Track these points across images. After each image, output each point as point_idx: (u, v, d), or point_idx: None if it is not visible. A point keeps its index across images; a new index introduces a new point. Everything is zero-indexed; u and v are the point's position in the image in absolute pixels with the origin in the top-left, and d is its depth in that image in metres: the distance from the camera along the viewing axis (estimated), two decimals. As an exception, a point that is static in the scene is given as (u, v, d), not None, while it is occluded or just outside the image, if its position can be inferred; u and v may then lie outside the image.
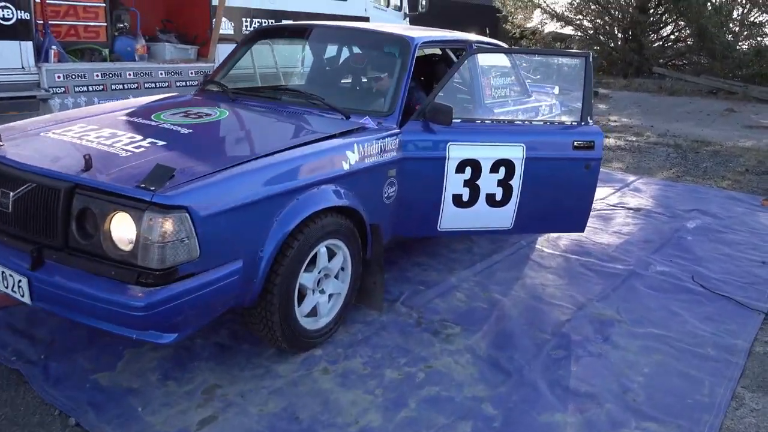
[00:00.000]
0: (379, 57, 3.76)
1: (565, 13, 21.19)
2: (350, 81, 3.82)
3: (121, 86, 5.32)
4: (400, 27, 4.27)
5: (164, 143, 2.62)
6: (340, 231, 2.88)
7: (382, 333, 3.13)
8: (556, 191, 3.61)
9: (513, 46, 19.28)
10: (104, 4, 5.50)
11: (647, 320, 3.44)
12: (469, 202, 3.46)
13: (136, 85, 5.42)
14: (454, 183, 3.39)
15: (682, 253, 4.53)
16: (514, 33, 21.84)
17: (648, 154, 8.29)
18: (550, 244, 4.60)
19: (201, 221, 2.22)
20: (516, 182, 3.49)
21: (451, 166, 3.35)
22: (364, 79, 3.79)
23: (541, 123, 3.62)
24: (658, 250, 4.56)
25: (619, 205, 5.80)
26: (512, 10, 21.81)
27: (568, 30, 21.69)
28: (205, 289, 2.29)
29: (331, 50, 4.16)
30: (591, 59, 3.68)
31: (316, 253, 2.79)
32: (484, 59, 4.23)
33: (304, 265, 2.73)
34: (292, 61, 4.73)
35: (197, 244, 2.22)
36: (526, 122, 3.50)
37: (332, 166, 2.82)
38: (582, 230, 3.81)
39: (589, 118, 3.67)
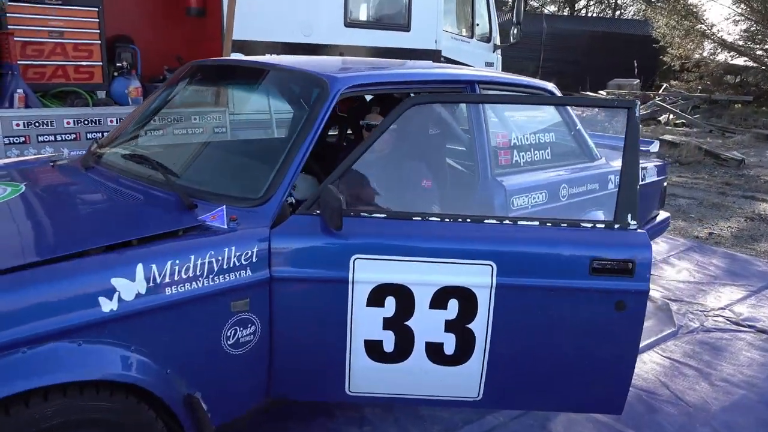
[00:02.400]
0: (286, 107, 2.50)
1: (737, 42, 18.11)
2: (235, 145, 2.57)
3: (99, 134, 4.55)
4: (339, 63, 2.92)
5: None
6: (99, 422, 1.66)
7: None
8: (561, 345, 2.08)
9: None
10: (99, 41, 4.82)
11: None
12: (396, 355, 2.05)
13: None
14: (366, 322, 2.02)
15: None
16: (674, 65, 19.13)
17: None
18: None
19: None
20: (480, 326, 2.02)
21: (358, 294, 1.99)
22: (254, 143, 2.54)
23: (536, 222, 2.07)
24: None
25: (748, 322, 3.89)
26: (677, 40, 19.04)
27: (740, 61, 18.53)
28: None
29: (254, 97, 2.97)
30: (638, 111, 2.12)
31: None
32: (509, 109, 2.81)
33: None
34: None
35: None
36: (507, 221, 2.01)
37: (79, 306, 1.61)
38: (616, 411, 2.19)
39: (630, 217, 2.09)
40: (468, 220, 2.05)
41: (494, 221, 2.07)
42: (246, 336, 1.94)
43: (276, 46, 5.41)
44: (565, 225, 2.09)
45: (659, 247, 5.33)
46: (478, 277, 1.98)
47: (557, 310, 2.03)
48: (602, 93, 17.98)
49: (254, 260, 1.91)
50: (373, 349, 2.03)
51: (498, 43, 7.51)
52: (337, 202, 1.85)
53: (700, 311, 4.08)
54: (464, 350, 2.04)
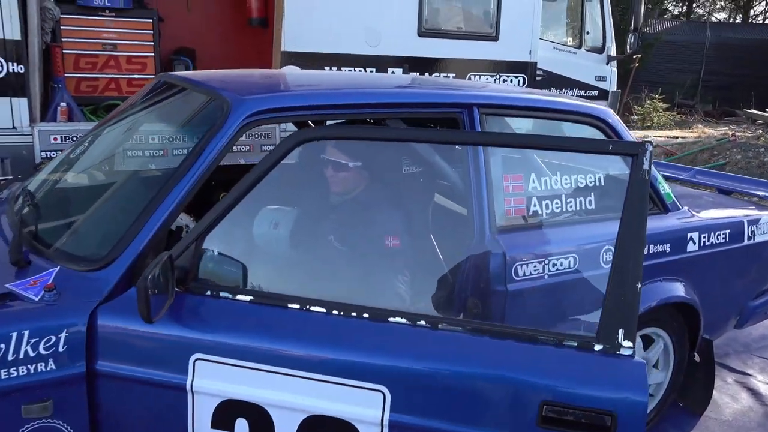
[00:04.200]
0: (185, 135, 1.96)
1: None
2: (109, 183, 2.05)
3: (139, 150, 4.38)
4: (277, 78, 2.27)
5: None
6: None
7: None
8: None
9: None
10: (153, 54, 4.68)
11: None
12: (254, 497, 1.45)
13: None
14: (212, 447, 1.44)
15: None
16: None
17: None
18: None
19: None
20: (365, 477, 1.36)
21: (201, 409, 1.43)
22: (129, 183, 2.00)
23: (465, 329, 1.30)
24: None
25: None
26: None
27: None
28: None
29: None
30: (648, 158, 1.33)
31: None
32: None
33: None
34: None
35: None
36: (423, 321, 1.31)
37: None
38: None
39: (623, 334, 1.31)
40: (365, 315, 1.40)
41: (403, 320, 1.39)
42: (50, 447, 1.45)
43: (337, 58, 4.95)
44: (513, 338, 1.35)
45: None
46: (363, 408, 1.33)
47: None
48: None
49: (61, 349, 1.42)
50: (223, 483, 1.46)
51: (613, 53, 6.46)
52: (146, 282, 1.30)
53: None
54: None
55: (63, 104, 4.28)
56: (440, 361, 1.33)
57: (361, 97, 1.95)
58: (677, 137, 10.47)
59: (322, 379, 1.34)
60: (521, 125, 3.12)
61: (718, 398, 3.13)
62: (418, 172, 2.16)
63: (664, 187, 2.62)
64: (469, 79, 5.47)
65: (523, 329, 1.36)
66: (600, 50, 6.44)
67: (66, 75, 4.46)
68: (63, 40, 4.42)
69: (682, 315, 2.71)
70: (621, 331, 1.28)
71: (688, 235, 2.62)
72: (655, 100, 13.20)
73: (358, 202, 2.03)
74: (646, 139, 1.38)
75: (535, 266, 2.16)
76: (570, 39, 6.38)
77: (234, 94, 1.77)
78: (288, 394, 1.36)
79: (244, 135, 1.72)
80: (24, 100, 4.11)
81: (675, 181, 3.60)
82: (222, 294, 1.46)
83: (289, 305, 1.43)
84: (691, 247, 2.63)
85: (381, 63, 5.09)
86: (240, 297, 1.45)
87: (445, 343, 1.35)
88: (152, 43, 4.70)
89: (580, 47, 6.32)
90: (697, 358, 2.91)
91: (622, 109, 12.87)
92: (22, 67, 4.07)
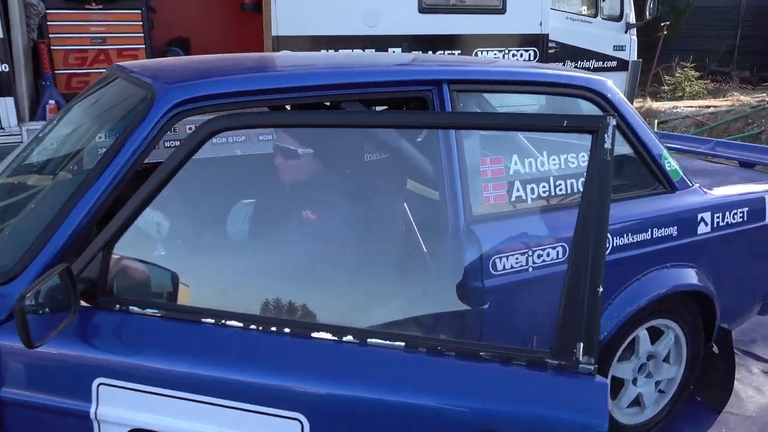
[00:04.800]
0: (110, 132, 1.78)
1: None
2: (27, 188, 1.88)
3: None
4: (209, 64, 2.03)
5: None
6: None
7: None
8: None
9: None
10: (143, 46, 4.55)
11: None
12: None
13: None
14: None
15: None
16: None
17: None
18: None
19: None
20: None
21: (110, 437, 1.26)
22: (49, 188, 1.82)
23: (401, 344, 1.08)
24: None
25: None
26: None
27: None
28: None
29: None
30: (610, 135, 1.10)
31: None
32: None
33: None
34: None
35: None
36: (350, 336, 1.09)
37: None
38: None
39: (583, 349, 1.10)
40: (286, 330, 1.21)
41: (327, 336, 1.20)
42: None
43: (333, 40, 4.74)
44: (453, 353, 1.15)
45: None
46: (280, 436, 1.14)
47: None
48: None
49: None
50: None
51: (632, 21, 6.08)
52: (22, 302, 1.13)
53: None
54: None
55: (52, 102, 4.18)
56: (366, 384, 1.14)
57: (310, 78, 1.75)
58: (709, 106, 9.93)
59: (234, 407, 1.17)
60: (512, 102, 2.88)
61: (741, 391, 2.87)
62: (382, 159, 1.96)
63: (670, 163, 2.35)
64: (475, 56, 5.20)
65: (464, 343, 1.15)
66: (618, 18, 6.05)
67: (56, 72, 4.36)
68: (50, 36, 4.31)
69: (695, 303, 2.45)
70: (580, 345, 1.07)
71: (699, 216, 2.35)
72: (686, 69, 12.58)
73: (307, 194, 1.84)
74: (607, 113, 1.14)
75: (517, 258, 1.94)
76: (585, 8, 6.02)
77: (160, 83, 1.59)
78: (198, 424, 1.19)
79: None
80: (10, 100, 4.03)
81: (691, 155, 3.30)
82: (132, 308, 1.29)
83: (203, 320, 1.25)
84: (703, 229, 2.37)
85: (380, 43, 4.86)
86: (149, 311, 1.28)
87: (373, 362, 1.16)
88: (142, 35, 4.57)
89: (596, 16, 5.95)
90: (715, 349, 2.66)
91: (651, 80, 12.35)
92: (6, 65, 3.99)
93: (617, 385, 2.42)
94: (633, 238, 2.18)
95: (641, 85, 12.70)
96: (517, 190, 2.04)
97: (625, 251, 2.16)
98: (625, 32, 6.05)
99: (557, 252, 2.02)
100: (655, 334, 2.45)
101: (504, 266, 1.92)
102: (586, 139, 2.34)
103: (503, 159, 2.03)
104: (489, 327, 1.80)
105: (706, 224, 2.37)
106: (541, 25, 5.37)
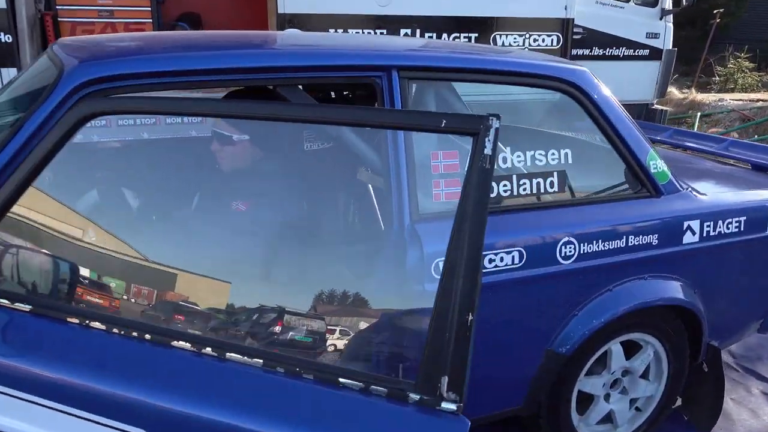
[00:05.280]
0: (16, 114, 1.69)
1: None
2: None
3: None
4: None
5: None
6: None
7: None
8: None
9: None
10: (151, 20, 4.51)
11: None
12: None
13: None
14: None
15: None
16: None
17: None
18: None
19: None
20: None
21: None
22: None
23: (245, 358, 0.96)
24: None
25: None
26: None
27: None
28: None
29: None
30: (491, 138, 0.95)
31: None
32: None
33: None
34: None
35: None
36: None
37: None
38: None
39: (447, 384, 0.96)
40: (146, 336, 1.11)
41: (187, 345, 1.09)
42: None
43: (341, 19, 4.60)
44: (311, 376, 1.02)
45: None
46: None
47: None
48: None
49: None
50: None
51: (668, 7, 5.71)
52: None
53: None
54: None
55: (55, 74, 4.18)
56: (216, 404, 1.03)
57: (238, 60, 1.63)
58: (758, 100, 9.36)
59: (83, 417, 1.08)
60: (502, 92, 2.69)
61: (734, 412, 2.66)
62: (324, 149, 1.83)
63: (657, 165, 2.14)
64: (494, 41, 4.97)
65: (326, 367, 1.03)
66: (653, 3, 5.70)
67: (63, 44, 4.37)
68: (57, 7, 4.31)
69: (679, 318, 2.26)
70: (444, 379, 0.93)
71: (685, 224, 2.14)
72: (740, 60, 11.90)
73: (238, 184, 1.74)
74: (491, 113, 0.97)
75: (464, 262, 1.79)
76: (617, -9, 5.69)
77: (72, 60, 1.50)
78: (34, 428, 1.11)
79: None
80: (14, 71, 4.05)
81: (700, 154, 3.05)
82: (3, 301, 1.21)
83: (68, 319, 1.16)
84: (690, 238, 2.16)
85: (392, 24, 4.70)
86: (18, 306, 1.20)
87: (228, 379, 1.05)
88: (150, 9, 4.52)
89: (628, 1, 5.61)
90: (705, 367, 2.46)
91: (700, 71, 11.72)
92: (10, 36, 4.00)
93: (586, 400, 2.26)
94: (604, 245, 2.00)
95: (688, 75, 12.10)
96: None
97: (594, 259, 1.99)
98: (660, 19, 5.69)
99: (512, 257, 1.87)
100: (633, 349, 2.27)
101: (449, 270, 1.78)
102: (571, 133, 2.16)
103: (458, 153, 1.88)
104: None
105: (694, 233, 2.17)
106: (566, 9, 5.09)
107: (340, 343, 1.34)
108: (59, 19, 4.30)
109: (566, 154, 2.02)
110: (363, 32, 4.68)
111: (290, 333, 1.33)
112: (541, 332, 2.00)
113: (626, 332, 2.18)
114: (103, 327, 1.14)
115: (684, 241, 2.15)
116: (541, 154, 1.99)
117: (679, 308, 2.21)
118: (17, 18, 4.00)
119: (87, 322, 1.15)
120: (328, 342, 1.32)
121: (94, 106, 1.18)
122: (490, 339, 1.94)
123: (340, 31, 4.60)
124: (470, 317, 0.91)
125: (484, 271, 1.82)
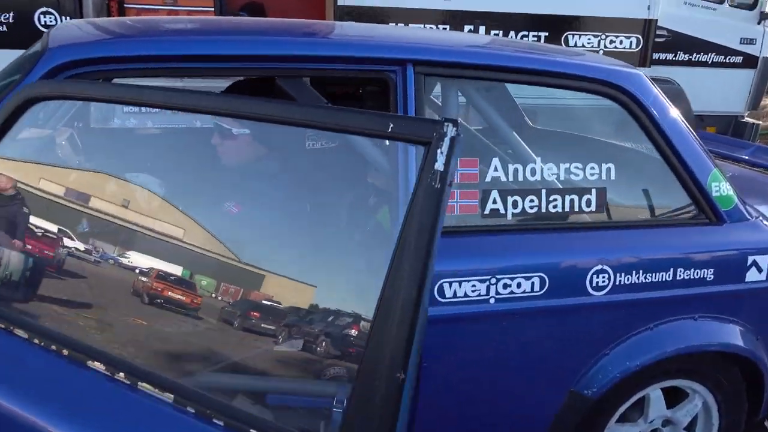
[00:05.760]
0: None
1: None
2: None
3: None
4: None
5: None
6: None
7: None
8: None
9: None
10: (213, 8, 4.51)
11: None
12: None
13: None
14: None
15: None
16: None
17: None
18: None
19: None
20: None
21: None
22: None
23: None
24: None
25: None
26: None
27: None
28: None
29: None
30: (447, 147, 0.75)
31: None
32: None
33: None
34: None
35: None
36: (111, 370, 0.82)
37: None
38: None
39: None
40: (64, 352, 0.98)
41: (101, 368, 0.96)
42: None
43: (402, 13, 4.41)
44: (222, 423, 0.86)
45: None
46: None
47: None
48: None
49: None
50: None
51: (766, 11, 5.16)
52: None
53: None
54: None
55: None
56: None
57: (234, 47, 1.49)
58: None
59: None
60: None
61: (801, 479, 2.29)
62: (327, 149, 1.67)
63: (720, 188, 1.84)
64: (565, 41, 4.64)
65: (240, 413, 0.86)
66: (751, 6, 5.16)
67: (127, 29, 4.44)
68: (123, -7, 4.37)
69: (736, 367, 1.94)
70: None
71: (750, 258, 1.84)
72: None
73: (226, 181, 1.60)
74: (448, 118, 0.77)
75: (474, 285, 1.59)
76: (709, -9, 5.19)
77: (56, 42, 1.41)
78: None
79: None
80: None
81: (725, 159, 2.62)
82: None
83: (15, 330, 1.06)
84: (754, 276, 1.85)
85: (455, 19, 4.48)
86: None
87: (133, 412, 0.90)
88: (213, -3, 4.51)
89: (722, 2, 5.11)
90: (767, 424, 2.13)
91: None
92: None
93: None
94: (646, 277, 1.73)
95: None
96: (494, 201, 1.66)
97: (632, 292, 1.72)
98: (759, 23, 5.15)
99: (532, 284, 1.64)
100: (678, 396, 1.98)
101: (455, 293, 1.58)
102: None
103: (479, 162, 1.67)
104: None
105: (760, 270, 1.85)
106: (649, 9, 4.69)
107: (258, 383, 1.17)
108: (125, 5, 4.36)
109: (608, 169, 1.76)
110: (425, 28, 4.48)
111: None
112: (563, 370, 1.76)
113: (669, 378, 1.90)
114: (25, 335, 1.03)
115: (747, 279, 1.85)
116: (578, 168, 1.74)
117: (736, 356, 1.90)
118: (83, 3, 4.08)
119: (12, 328, 1.04)
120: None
121: (36, 91, 1.08)
122: (502, 374, 1.73)
123: (401, 26, 4.43)
124: (402, 376, 0.71)
125: (498, 297, 1.61)
